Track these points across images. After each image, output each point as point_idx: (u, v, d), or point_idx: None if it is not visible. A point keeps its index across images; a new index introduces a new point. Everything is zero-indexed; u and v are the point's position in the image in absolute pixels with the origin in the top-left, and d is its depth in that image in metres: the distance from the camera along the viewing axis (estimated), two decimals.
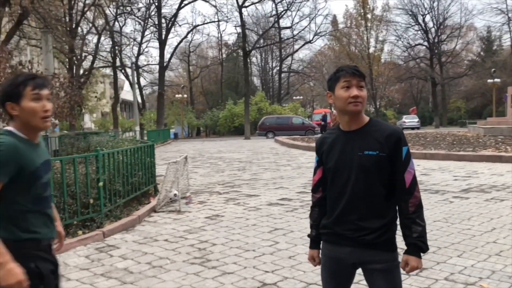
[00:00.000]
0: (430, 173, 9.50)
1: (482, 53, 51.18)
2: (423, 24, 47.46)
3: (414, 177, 1.92)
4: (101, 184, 5.48)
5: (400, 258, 1.96)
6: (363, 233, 1.91)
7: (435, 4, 46.83)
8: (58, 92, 8.20)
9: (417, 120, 43.12)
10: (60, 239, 2.19)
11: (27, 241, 1.86)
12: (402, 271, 1.97)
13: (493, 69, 37.93)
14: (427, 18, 47.65)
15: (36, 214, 1.89)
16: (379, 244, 1.91)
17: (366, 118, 2.00)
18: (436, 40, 47.62)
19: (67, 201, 5.00)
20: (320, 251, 2.12)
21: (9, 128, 1.86)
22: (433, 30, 47.62)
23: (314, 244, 2.17)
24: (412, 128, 40.39)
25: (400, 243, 1.96)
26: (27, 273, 1.78)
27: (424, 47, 49.54)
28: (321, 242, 2.11)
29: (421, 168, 10.32)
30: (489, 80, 37.63)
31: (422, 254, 1.91)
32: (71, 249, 4.70)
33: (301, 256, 4.25)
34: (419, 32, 48.57)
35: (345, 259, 1.97)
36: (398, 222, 1.98)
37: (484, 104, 47.41)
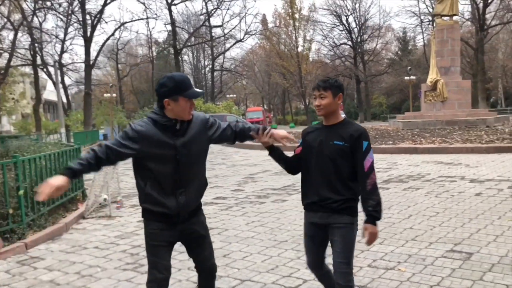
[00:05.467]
0: None
1: (399, 52, 54.82)
2: (346, 25, 49.91)
3: (372, 165, 2.49)
4: (21, 192, 5.14)
5: (360, 226, 2.53)
6: (330, 201, 2.50)
7: (357, 5, 49.51)
8: None
9: (344, 116, 45.16)
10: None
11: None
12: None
13: (409, 67, 40.88)
14: (350, 18, 50.27)
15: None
16: (341, 210, 2.49)
17: (341, 118, 2.63)
18: (359, 40, 50.30)
19: None
20: (303, 219, 2.70)
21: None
22: (356, 30, 50.27)
23: (271, 148, 2.71)
24: None
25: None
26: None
27: (348, 46, 52.09)
28: (304, 212, 2.68)
29: None
30: (406, 77, 40.52)
31: (377, 222, 2.47)
32: None
33: (236, 254, 4.33)
34: (343, 32, 51.04)
35: (318, 222, 2.56)
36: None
37: (402, 99, 50.88)
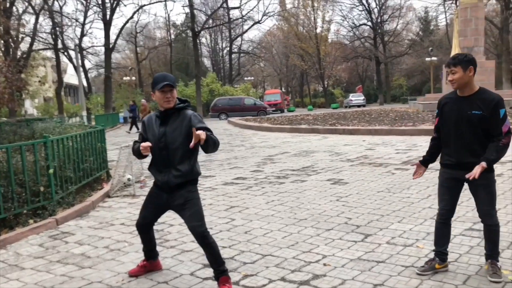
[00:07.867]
0: (374, 147, 10.05)
1: (420, 32, 53.56)
2: (366, 5, 48.90)
3: (509, 130, 2.88)
4: (51, 171, 5.36)
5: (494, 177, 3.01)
6: (471, 163, 2.90)
7: None
8: None
9: (362, 98, 44.75)
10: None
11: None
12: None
13: (430, 48, 39.98)
14: None
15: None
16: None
17: (476, 88, 2.96)
18: (379, 20, 49.23)
19: (15, 190, 4.86)
20: (439, 173, 3.19)
21: None
22: (376, 10, 49.18)
23: (423, 163, 3.33)
24: (358, 106, 41.95)
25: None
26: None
27: (368, 27, 51.11)
28: (441, 167, 3.17)
29: (366, 143, 10.87)
30: (427, 59, 39.65)
31: (485, 164, 2.87)
32: (22, 238, 4.60)
33: (256, 231, 4.45)
34: (363, 12, 50.14)
35: (460, 178, 3.01)
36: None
37: (423, 81, 49.95)
